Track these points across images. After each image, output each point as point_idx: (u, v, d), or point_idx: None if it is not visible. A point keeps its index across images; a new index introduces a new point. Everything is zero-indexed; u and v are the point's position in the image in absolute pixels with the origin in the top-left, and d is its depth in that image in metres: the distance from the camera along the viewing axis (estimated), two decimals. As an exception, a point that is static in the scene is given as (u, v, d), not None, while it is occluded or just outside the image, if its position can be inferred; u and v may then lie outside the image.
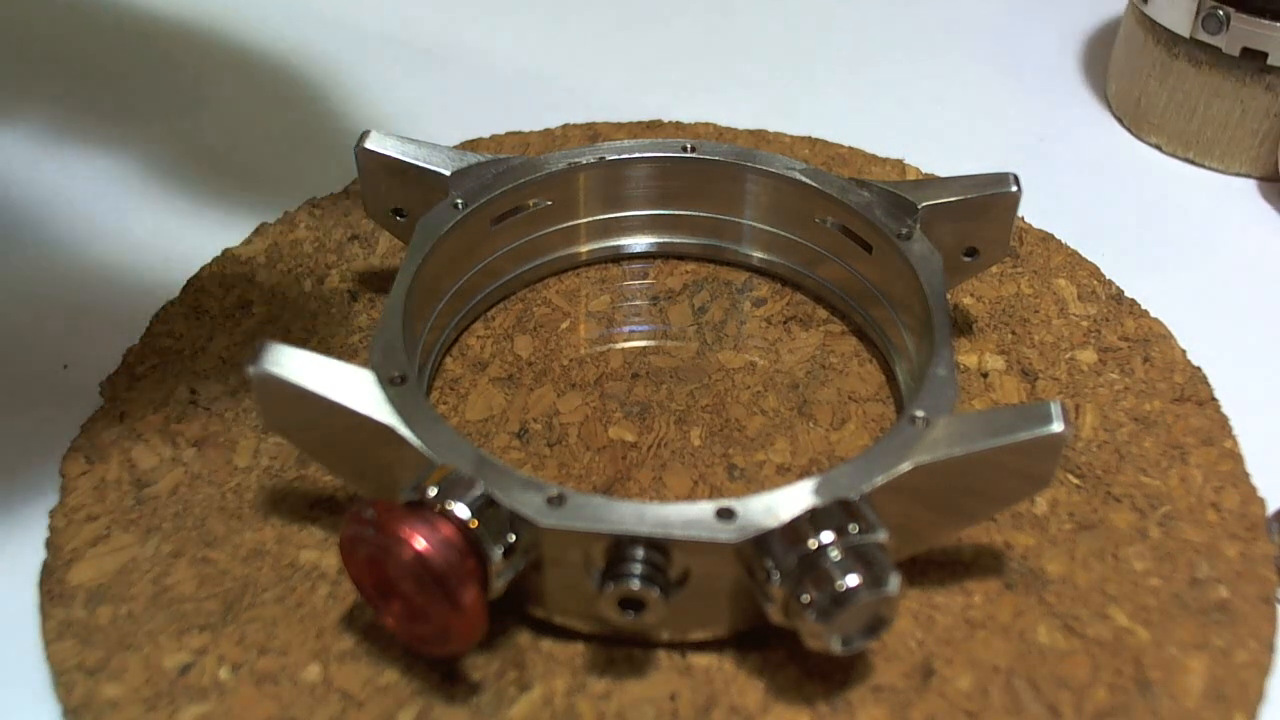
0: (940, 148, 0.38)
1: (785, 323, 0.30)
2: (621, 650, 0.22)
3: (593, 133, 0.37)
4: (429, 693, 0.22)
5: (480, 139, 0.37)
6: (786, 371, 0.29)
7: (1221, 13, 0.34)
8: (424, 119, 0.39)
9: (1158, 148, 0.38)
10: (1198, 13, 0.35)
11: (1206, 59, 0.35)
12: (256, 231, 0.33)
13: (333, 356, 0.29)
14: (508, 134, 0.37)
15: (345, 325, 0.30)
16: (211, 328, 0.30)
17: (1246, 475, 0.26)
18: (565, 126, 0.38)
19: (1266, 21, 0.34)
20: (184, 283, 0.31)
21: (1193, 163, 0.37)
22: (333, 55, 0.42)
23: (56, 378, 0.29)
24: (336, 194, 0.35)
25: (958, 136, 0.39)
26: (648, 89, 0.41)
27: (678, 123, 0.38)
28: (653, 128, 0.38)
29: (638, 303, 0.31)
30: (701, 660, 0.22)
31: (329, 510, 0.25)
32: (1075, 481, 0.26)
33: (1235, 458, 0.27)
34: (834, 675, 0.22)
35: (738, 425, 0.27)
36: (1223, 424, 0.27)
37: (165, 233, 0.34)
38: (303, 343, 0.29)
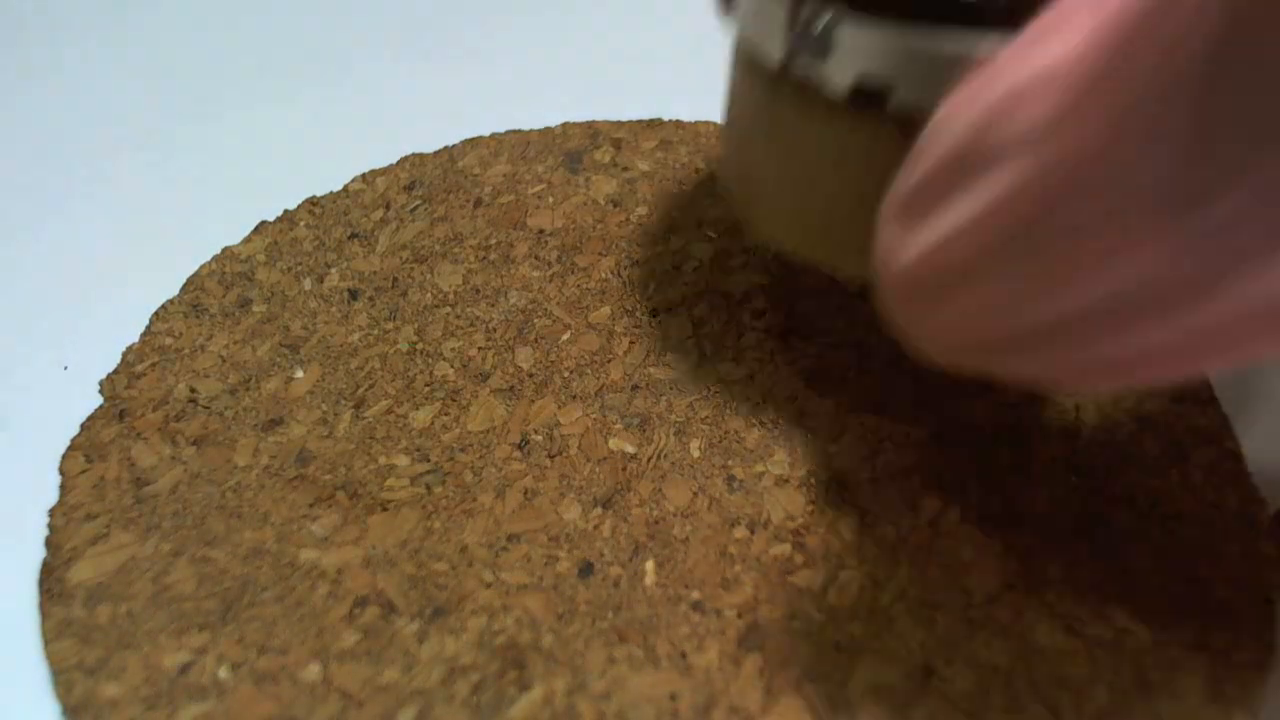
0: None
1: (784, 335, 0.30)
2: (623, 649, 0.22)
3: (593, 131, 0.37)
4: (429, 692, 0.22)
5: (480, 138, 0.37)
6: (785, 383, 0.29)
7: (826, 16, 0.20)
8: (424, 117, 0.39)
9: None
10: (792, 25, 0.20)
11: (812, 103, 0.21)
12: (256, 230, 0.33)
13: (332, 355, 0.29)
14: (508, 132, 0.37)
15: (345, 324, 0.30)
16: (211, 326, 0.30)
17: (1246, 475, 0.26)
18: (565, 125, 0.38)
19: (876, 31, 0.19)
20: (184, 281, 0.31)
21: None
22: (333, 53, 0.42)
23: (56, 376, 0.29)
24: (336, 192, 0.35)
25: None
26: (648, 87, 0.41)
27: (678, 121, 0.38)
28: (653, 126, 0.38)
29: (638, 314, 0.31)
30: (701, 660, 0.22)
31: (329, 509, 0.25)
32: (1075, 481, 0.26)
33: (1235, 458, 0.27)
34: (834, 675, 0.22)
35: (737, 437, 0.27)
36: (1223, 424, 0.27)
37: (165, 230, 0.34)
38: (303, 341, 0.29)
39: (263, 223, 0.33)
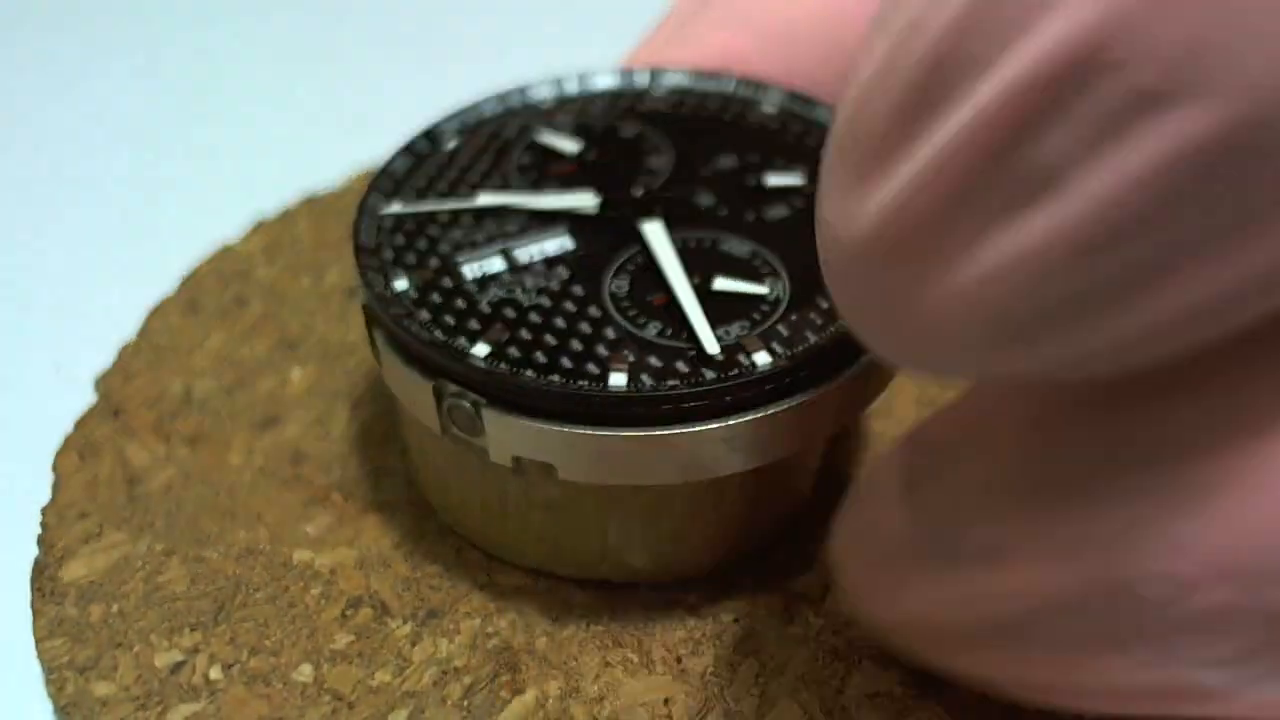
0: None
1: None
2: (618, 653, 0.22)
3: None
4: (420, 695, 0.21)
5: (481, 137, 0.37)
6: None
7: (468, 403, 0.20)
8: (424, 115, 0.39)
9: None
10: (439, 408, 0.21)
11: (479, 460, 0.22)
12: (255, 227, 0.33)
13: (329, 355, 0.29)
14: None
15: (343, 322, 0.30)
16: (208, 324, 0.30)
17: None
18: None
19: (528, 422, 0.20)
20: (181, 279, 0.31)
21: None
22: (333, 50, 0.42)
23: (51, 373, 0.29)
24: (335, 190, 0.34)
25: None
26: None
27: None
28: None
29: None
30: (697, 665, 0.22)
31: (323, 509, 0.25)
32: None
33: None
34: (830, 682, 0.22)
35: None
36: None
37: (163, 228, 0.34)
38: (300, 340, 0.29)
39: (261, 220, 0.33)
